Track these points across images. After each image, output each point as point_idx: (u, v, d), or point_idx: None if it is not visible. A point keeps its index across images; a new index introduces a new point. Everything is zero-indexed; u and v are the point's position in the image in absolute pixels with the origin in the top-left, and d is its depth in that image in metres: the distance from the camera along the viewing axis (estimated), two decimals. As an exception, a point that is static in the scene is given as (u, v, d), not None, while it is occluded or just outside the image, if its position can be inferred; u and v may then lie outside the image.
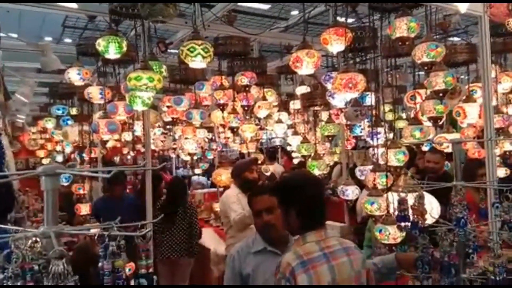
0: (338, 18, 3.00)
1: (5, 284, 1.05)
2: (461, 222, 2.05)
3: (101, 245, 1.15)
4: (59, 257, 0.98)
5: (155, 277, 1.28)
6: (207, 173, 8.63)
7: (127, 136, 5.71)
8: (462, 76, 4.90)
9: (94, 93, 3.94)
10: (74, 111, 5.78)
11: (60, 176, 1.19)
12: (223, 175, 5.22)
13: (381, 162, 3.11)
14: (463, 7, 1.83)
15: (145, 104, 2.81)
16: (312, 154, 4.18)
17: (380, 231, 2.72)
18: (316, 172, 4.19)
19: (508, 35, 3.69)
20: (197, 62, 2.46)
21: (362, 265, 1.84)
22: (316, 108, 4.65)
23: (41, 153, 8.73)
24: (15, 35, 5.74)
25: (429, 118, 3.01)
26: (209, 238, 5.14)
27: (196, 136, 5.68)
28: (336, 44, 2.59)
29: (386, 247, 2.75)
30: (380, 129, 3.19)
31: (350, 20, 5.03)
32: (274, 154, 8.41)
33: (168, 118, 5.88)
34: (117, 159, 7.33)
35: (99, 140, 4.76)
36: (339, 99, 3.21)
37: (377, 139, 3.18)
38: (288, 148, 7.82)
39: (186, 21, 3.27)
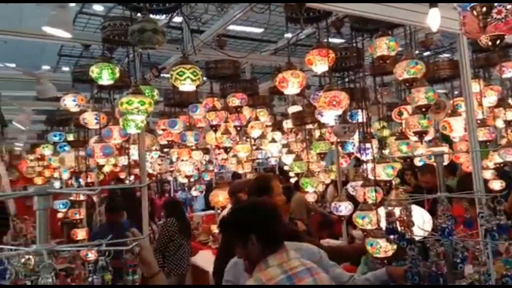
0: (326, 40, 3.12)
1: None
2: (446, 232, 2.11)
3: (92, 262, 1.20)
4: (49, 271, 1.03)
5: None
6: (205, 195, 8.66)
7: (123, 160, 5.76)
8: (444, 91, 5.03)
9: (90, 118, 4.03)
10: (70, 137, 5.87)
11: (53, 201, 1.26)
12: (220, 196, 5.26)
13: (371, 177, 3.18)
14: (435, 25, 1.94)
15: (138, 127, 2.89)
16: (305, 172, 4.25)
17: (371, 244, 2.76)
18: (310, 189, 4.24)
19: (490, 50, 3.82)
20: (186, 85, 2.56)
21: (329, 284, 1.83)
22: (308, 126, 4.76)
23: (38, 180, 8.73)
24: (13, 65, 5.89)
25: (415, 133, 3.10)
26: (208, 261, 5.13)
27: (192, 158, 5.75)
28: (320, 65, 2.70)
29: (378, 261, 2.78)
30: (368, 145, 3.27)
31: (341, 41, 5.22)
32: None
33: (164, 141, 5.97)
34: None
35: (96, 165, 4.82)
36: (328, 117, 3.30)
37: (366, 154, 3.26)
38: (286, 168, 7.89)
39: (178, 47, 3.40)
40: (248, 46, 8.37)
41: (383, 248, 2.71)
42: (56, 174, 7.75)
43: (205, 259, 5.09)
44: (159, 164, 7.85)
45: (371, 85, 4.50)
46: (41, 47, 7.55)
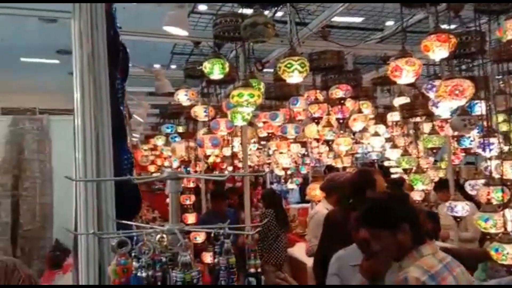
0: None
1: (139, 272, 1.21)
2: None
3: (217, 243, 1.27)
4: (185, 249, 1.11)
5: (262, 277, 1.35)
6: (301, 188, 8.65)
7: (227, 151, 6.05)
8: None
9: (199, 112, 4.31)
10: (181, 129, 6.36)
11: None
12: (317, 190, 5.22)
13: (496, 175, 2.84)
14: None
15: (245, 119, 2.99)
16: (414, 168, 3.97)
17: (497, 250, 2.47)
18: (420, 186, 3.97)
19: None
20: (294, 77, 2.56)
21: (468, 276, 1.77)
22: (417, 119, 4.43)
23: (151, 168, 9.66)
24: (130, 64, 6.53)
25: (553, 126, 2.67)
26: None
27: (290, 150, 5.78)
28: (438, 51, 2.47)
29: (504, 269, 2.48)
30: (493, 140, 2.92)
31: (452, 26, 4.75)
32: (371, 169, 8.07)
33: (263, 134, 6.10)
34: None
35: (203, 155, 5.14)
36: (444, 109, 3.02)
37: (490, 150, 2.92)
38: (386, 163, 7.49)
39: (282, 40, 3.42)
40: (350, 36, 8.11)
41: (510, 254, 2.41)
42: (166, 163, 8.49)
43: (303, 252, 5.10)
44: (257, 156, 8.11)
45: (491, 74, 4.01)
46: (153, 46, 8.23)
